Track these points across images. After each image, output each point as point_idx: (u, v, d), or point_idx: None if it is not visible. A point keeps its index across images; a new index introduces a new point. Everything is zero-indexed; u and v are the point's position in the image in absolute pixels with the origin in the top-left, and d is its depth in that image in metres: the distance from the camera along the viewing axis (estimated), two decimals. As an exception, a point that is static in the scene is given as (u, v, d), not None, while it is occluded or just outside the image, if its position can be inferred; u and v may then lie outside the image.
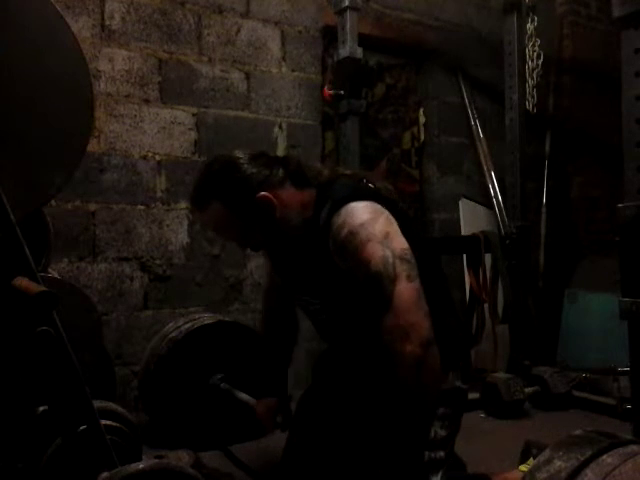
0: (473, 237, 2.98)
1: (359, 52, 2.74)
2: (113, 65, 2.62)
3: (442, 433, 1.42)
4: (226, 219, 1.49)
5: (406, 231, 1.37)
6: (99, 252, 2.58)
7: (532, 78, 3.23)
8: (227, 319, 2.49)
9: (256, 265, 2.94)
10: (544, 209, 3.73)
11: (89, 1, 2.57)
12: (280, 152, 2.93)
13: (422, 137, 3.57)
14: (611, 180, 3.23)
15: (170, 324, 2.45)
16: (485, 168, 3.54)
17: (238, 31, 2.92)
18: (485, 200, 3.52)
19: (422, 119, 3.56)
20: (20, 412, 1.60)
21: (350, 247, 1.32)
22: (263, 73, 2.99)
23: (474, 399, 2.70)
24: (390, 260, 1.26)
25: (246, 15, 2.94)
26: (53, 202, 2.36)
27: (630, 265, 1.69)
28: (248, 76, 2.95)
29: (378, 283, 1.25)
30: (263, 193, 1.45)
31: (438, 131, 3.56)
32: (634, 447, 1.01)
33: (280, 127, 3.01)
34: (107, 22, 2.61)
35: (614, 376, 2.57)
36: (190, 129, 2.80)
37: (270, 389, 1.92)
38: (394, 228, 1.34)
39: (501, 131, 3.18)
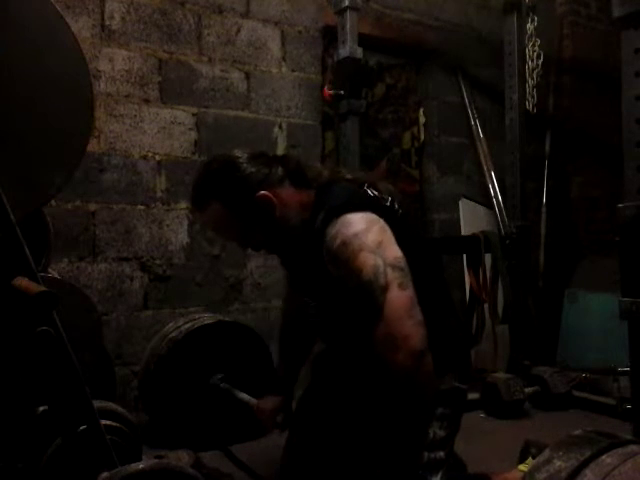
0: (473, 237, 2.98)
1: (359, 52, 2.74)
2: (113, 65, 2.62)
3: (441, 433, 1.42)
4: (226, 219, 1.49)
5: (405, 236, 1.37)
6: (99, 252, 2.58)
7: (532, 78, 3.23)
8: (227, 319, 2.50)
9: (256, 265, 2.94)
10: (544, 209, 3.73)
11: (89, 1, 2.57)
12: (280, 152, 2.93)
13: (422, 137, 3.57)
14: (611, 180, 3.22)
15: (170, 324, 2.45)
16: (485, 168, 3.54)
17: (238, 31, 2.92)
18: (485, 200, 3.52)
19: (422, 119, 3.56)
20: (20, 412, 1.60)
21: (342, 257, 1.31)
22: (263, 73, 2.99)
23: (474, 399, 2.70)
24: (381, 269, 1.25)
25: (246, 15, 2.94)
26: (53, 202, 2.36)
27: (630, 265, 1.69)
28: (248, 76, 2.95)
29: (369, 292, 1.24)
30: (262, 192, 1.45)
31: (438, 131, 3.56)
32: (634, 447, 1.01)
33: (280, 127, 3.01)
34: (107, 22, 2.61)
35: (614, 376, 2.57)
36: (190, 129, 2.80)
37: (276, 387, 1.91)
38: (387, 237, 1.32)
39: (501, 131, 3.18)
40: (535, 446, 1.82)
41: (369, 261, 1.26)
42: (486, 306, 2.91)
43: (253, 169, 1.47)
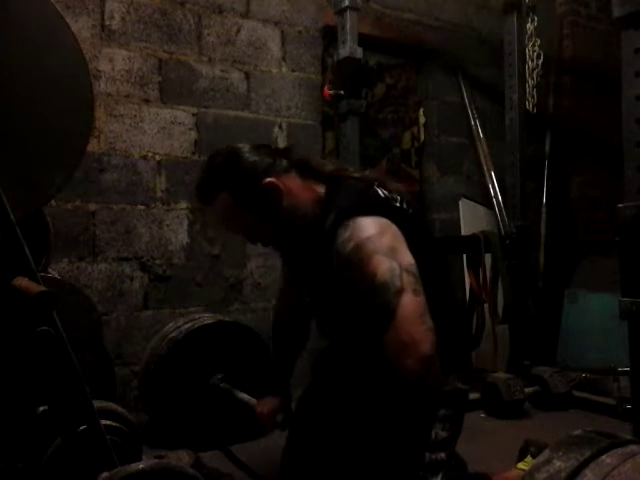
0: (473, 237, 2.98)
1: (359, 52, 2.74)
2: (113, 65, 2.62)
3: (443, 434, 1.42)
4: (234, 209, 1.46)
5: (415, 237, 1.37)
6: (99, 252, 2.58)
7: (532, 78, 3.23)
8: (227, 319, 2.50)
9: (256, 265, 2.94)
10: (544, 209, 3.73)
11: (89, 1, 2.57)
12: (280, 152, 2.93)
13: (422, 137, 3.57)
14: (611, 180, 3.22)
15: (170, 324, 2.45)
16: (485, 168, 3.54)
17: (238, 31, 2.92)
18: (485, 200, 3.52)
19: (422, 119, 3.56)
20: (20, 412, 1.60)
21: (355, 260, 1.30)
22: (263, 73, 2.99)
23: (474, 399, 2.70)
24: (397, 272, 1.25)
25: (246, 15, 2.94)
26: (53, 202, 2.36)
27: (630, 265, 1.69)
28: (248, 76, 2.95)
29: (383, 294, 1.23)
30: (269, 179, 1.43)
31: (438, 131, 3.56)
32: (633, 447, 1.01)
33: (280, 127, 3.01)
34: (107, 22, 2.61)
35: (614, 376, 2.57)
36: (190, 129, 2.80)
37: (272, 388, 1.92)
38: (400, 243, 1.32)
39: (501, 131, 3.18)
40: (534, 445, 1.83)
41: (384, 264, 1.26)
42: (486, 306, 2.91)
43: (257, 158, 1.46)
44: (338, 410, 1.64)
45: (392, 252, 1.28)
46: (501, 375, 2.78)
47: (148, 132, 2.69)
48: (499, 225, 3.19)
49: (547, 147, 3.81)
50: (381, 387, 1.31)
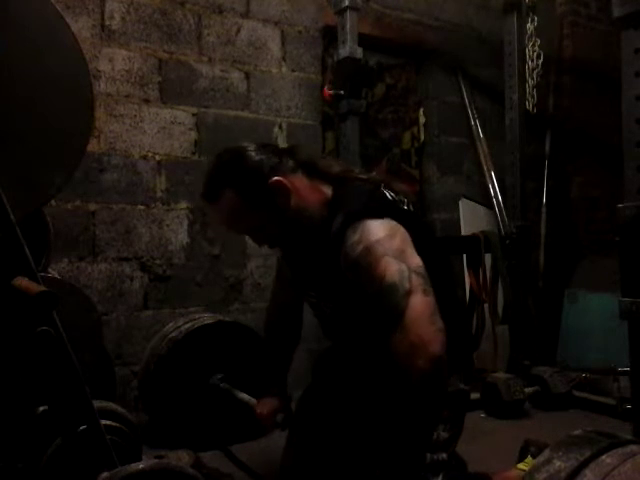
0: (473, 237, 2.98)
1: (359, 52, 2.74)
2: (113, 65, 2.62)
3: (444, 435, 1.42)
4: (240, 208, 1.45)
5: (421, 239, 1.37)
6: (99, 252, 2.58)
7: (532, 78, 3.23)
8: (227, 319, 2.50)
9: (256, 265, 2.94)
10: (544, 209, 3.73)
11: (89, 1, 2.57)
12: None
13: (422, 137, 3.57)
14: (611, 180, 3.22)
15: (170, 324, 2.45)
16: (485, 168, 3.54)
17: (238, 31, 2.92)
18: (485, 200, 3.52)
19: (422, 119, 3.56)
20: (20, 412, 1.60)
21: (364, 262, 1.30)
22: (263, 73, 2.99)
23: (474, 399, 2.70)
24: (406, 274, 1.25)
25: (246, 15, 2.94)
26: (53, 202, 2.36)
27: (630, 265, 1.69)
28: (248, 76, 2.95)
29: (392, 295, 1.23)
30: (276, 178, 1.42)
31: (438, 131, 3.56)
32: (633, 447, 1.01)
33: (280, 127, 3.01)
34: (107, 22, 2.61)
35: (614, 376, 2.57)
36: (190, 129, 2.80)
37: (270, 389, 1.92)
38: (409, 246, 1.32)
39: (501, 131, 3.18)
40: (534, 445, 1.83)
41: (393, 266, 1.26)
42: (486, 306, 2.91)
43: (263, 157, 1.45)
44: (339, 410, 1.64)
45: (401, 254, 1.28)
46: (501, 375, 2.78)
47: (148, 132, 2.69)
48: (499, 225, 3.19)
49: (547, 147, 3.81)
50: (387, 387, 1.31)
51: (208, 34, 2.84)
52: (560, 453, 1.03)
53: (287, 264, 1.72)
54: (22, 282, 1.14)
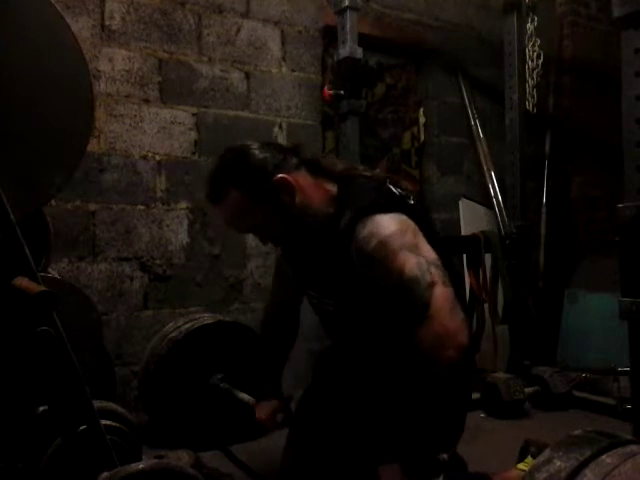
0: (473, 237, 2.98)
1: (359, 52, 2.74)
2: (113, 65, 2.62)
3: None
4: (245, 207, 1.45)
5: (428, 234, 1.38)
6: (99, 252, 2.58)
7: (532, 78, 3.23)
8: (227, 319, 2.50)
9: (256, 265, 2.94)
10: (544, 209, 3.73)
11: (89, 1, 2.57)
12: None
13: (422, 137, 3.57)
14: (611, 180, 3.22)
15: (170, 324, 2.45)
16: (485, 168, 3.54)
17: (238, 31, 2.92)
18: (485, 200, 3.52)
19: (422, 119, 3.56)
20: (20, 412, 1.60)
21: (379, 256, 1.30)
22: (263, 73, 2.99)
23: (474, 399, 2.70)
24: (425, 267, 1.26)
25: (246, 15, 2.94)
26: (53, 202, 2.36)
27: (630, 265, 1.69)
28: (248, 76, 2.95)
29: (415, 288, 1.24)
30: (280, 175, 1.42)
31: (438, 131, 3.56)
32: (633, 447, 1.01)
33: (280, 127, 3.01)
34: (107, 22, 2.61)
35: (614, 376, 2.56)
36: (190, 129, 2.80)
37: (266, 390, 1.91)
38: (421, 239, 1.34)
39: (501, 131, 3.18)
40: (535, 445, 1.83)
41: (412, 259, 1.27)
42: (486, 306, 2.91)
43: (267, 155, 1.45)
44: (340, 410, 1.64)
45: (416, 248, 1.30)
46: (501, 375, 2.78)
47: (148, 132, 2.69)
48: (499, 225, 3.19)
49: (547, 147, 3.81)
50: (396, 381, 1.32)
51: (208, 34, 2.84)
52: (560, 453, 1.03)
53: (288, 262, 1.72)
54: (22, 282, 1.14)
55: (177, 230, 2.75)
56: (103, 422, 1.29)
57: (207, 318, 2.44)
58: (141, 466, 1.16)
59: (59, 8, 1.34)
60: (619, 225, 1.71)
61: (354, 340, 1.61)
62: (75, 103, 1.36)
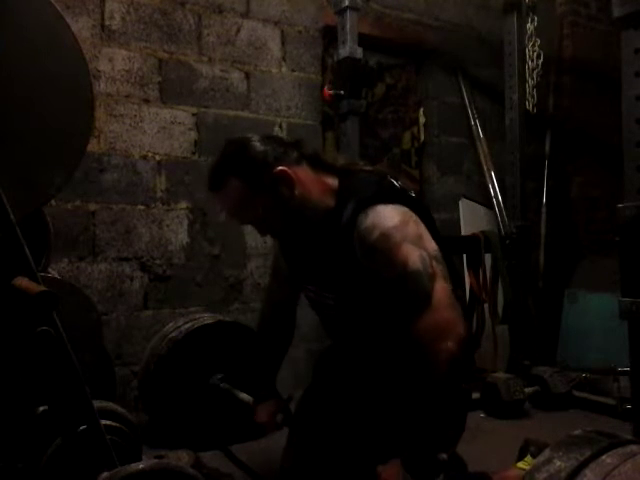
0: (473, 237, 2.98)
1: (359, 52, 2.74)
2: (113, 65, 2.62)
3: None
4: (244, 197, 1.45)
5: (430, 228, 1.41)
6: (99, 252, 2.58)
7: (532, 78, 3.23)
8: (227, 319, 2.49)
9: (256, 265, 2.94)
10: (544, 209, 3.73)
11: (89, 1, 2.57)
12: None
13: (422, 137, 3.57)
14: (611, 180, 3.22)
15: (170, 324, 2.45)
16: (485, 168, 3.54)
17: (238, 31, 2.92)
18: (485, 200, 3.52)
19: (422, 119, 3.56)
20: (20, 412, 1.60)
21: (382, 248, 1.32)
22: (263, 73, 2.99)
23: (474, 399, 2.70)
24: (427, 260, 1.30)
25: (246, 15, 2.94)
26: (53, 202, 2.36)
27: (630, 265, 1.69)
28: (248, 76, 2.95)
29: (418, 281, 1.28)
30: (280, 167, 1.43)
31: (438, 131, 3.56)
32: (633, 447, 1.01)
33: (280, 127, 3.01)
34: (107, 22, 2.61)
35: (614, 376, 2.56)
36: (190, 129, 2.80)
37: (262, 391, 1.90)
38: (424, 230, 1.36)
39: (501, 131, 3.18)
40: (534, 444, 1.83)
41: (414, 252, 1.30)
42: (486, 306, 2.91)
43: (268, 147, 1.46)
44: (340, 410, 1.64)
45: (419, 240, 1.33)
46: (501, 375, 2.78)
47: (148, 132, 2.69)
48: (499, 225, 3.19)
49: (547, 147, 3.81)
50: (396, 376, 1.33)
51: (208, 34, 2.84)
52: (560, 453, 1.03)
53: (285, 257, 1.71)
54: (22, 282, 1.14)
55: (177, 230, 2.75)
56: (103, 422, 1.29)
57: (207, 318, 2.44)
58: (141, 466, 1.16)
59: (59, 8, 1.34)
60: (619, 225, 1.71)
61: (353, 335, 1.61)
62: (75, 103, 1.36)
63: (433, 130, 3.57)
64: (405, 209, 1.38)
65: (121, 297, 2.62)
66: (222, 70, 2.88)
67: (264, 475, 2.02)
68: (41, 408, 1.56)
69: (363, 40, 2.81)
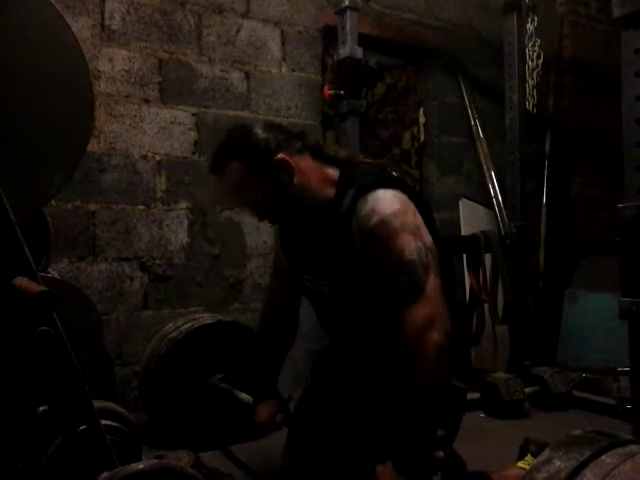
0: (473, 237, 2.98)
1: (359, 52, 2.74)
2: (113, 65, 2.62)
3: (441, 432, 1.42)
4: (244, 181, 1.47)
5: (428, 220, 1.43)
6: (99, 252, 2.58)
7: (532, 78, 3.23)
8: (227, 319, 2.49)
9: (256, 265, 2.94)
10: (544, 209, 3.73)
11: (89, 1, 2.57)
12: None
13: (422, 137, 3.57)
14: (611, 180, 3.22)
15: (170, 324, 2.45)
16: (485, 168, 3.54)
17: (238, 31, 2.92)
18: (485, 200, 3.52)
19: (422, 119, 3.56)
20: (20, 412, 1.60)
21: (381, 234, 1.34)
22: (263, 73, 2.99)
23: (474, 399, 2.70)
24: (423, 252, 1.32)
25: (246, 15, 2.94)
26: (53, 202, 2.36)
27: (630, 265, 1.69)
28: (248, 76, 2.95)
29: (413, 271, 1.30)
30: (281, 155, 1.44)
31: (438, 131, 3.56)
32: (633, 447, 1.01)
33: (280, 127, 3.00)
34: (107, 22, 2.61)
35: (614, 376, 2.57)
36: (190, 129, 2.80)
37: (262, 391, 1.89)
38: (421, 222, 1.39)
39: (501, 131, 3.18)
40: (534, 444, 1.83)
41: (411, 242, 1.32)
42: (486, 306, 2.91)
43: (270, 135, 1.48)
44: (339, 409, 1.64)
45: (416, 230, 1.35)
46: (501, 375, 2.78)
47: (148, 132, 2.69)
48: (499, 225, 3.18)
49: (547, 147, 3.81)
50: (391, 370, 1.34)
51: (208, 34, 2.84)
52: (560, 453, 1.03)
53: (283, 246, 1.71)
54: (22, 282, 1.14)
55: (177, 230, 2.75)
56: (103, 422, 1.29)
57: (207, 318, 2.44)
58: (141, 466, 1.16)
59: (59, 8, 1.34)
60: (619, 225, 1.71)
61: (347, 326, 1.60)
62: (75, 103, 1.36)
63: (433, 130, 3.57)
64: (404, 197, 1.39)
65: (121, 297, 2.62)
66: (222, 70, 2.88)
67: (264, 475, 2.02)
68: (41, 408, 1.56)
69: (363, 40, 2.81)
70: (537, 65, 3.25)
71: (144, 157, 2.69)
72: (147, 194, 2.69)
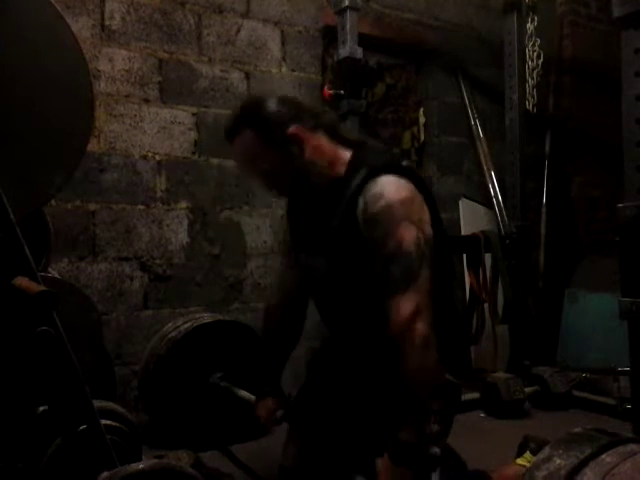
0: (473, 237, 2.98)
1: (359, 52, 2.74)
2: (113, 65, 2.62)
3: (435, 428, 1.43)
4: (256, 148, 1.48)
5: (435, 217, 1.46)
6: (99, 252, 2.58)
7: (532, 78, 3.23)
8: (226, 318, 2.50)
9: (256, 265, 2.94)
10: (544, 209, 3.73)
11: (89, 1, 2.57)
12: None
13: (422, 137, 3.57)
14: (611, 180, 3.22)
15: (169, 324, 2.45)
16: (485, 168, 3.54)
17: (238, 31, 2.92)
18: (485, 200, 3.52)
19: (422, 119, 3.56)
20: (20, 412, 1.60)
21: (384, 219, 1.35)
22: (263, 73, 2.99)
23: (474, 399, 2.70)
24: (422, 244, 1.33)
25: (246, 15, 2.94)
26: (53, 202, 2.36)
27: (630, 265, 1.70)
28: (248, 76, 2.95)
29: (407, 261, 1.31)
30: (295, 129, 1.46)
31: (438, 131, 3.56)
32: (633, 446, 1.01)
33: (280, 127, 3.00)
34: (107, 22, 2.61)
35: (614, 376, 2.57)
36: (190, 129, 2.80)
37: (264, 388, 1.89)
38: (425, 214, 1.40)
39: (501, 131, 3.18)
40: (534, 441, 1.83)
41: (412, 232, 1.34)
42: (486, 306, 2.91)
43: (284, 108, 1.49)
44: (335, 405, 1.63)
45: (419, 221, 1.36)
46: (501, 375, 2.78)
47: (148, 132, 2.69)
48: (499, 225, 3.19)
49: (547, 147, 3.81)
50: (383, 362, 1.35)
51: (208, 34, 2.84)
52: (560, 451, 1.03)
53: (290, 222, 1.71)
54: (22, 282, 1.14)
55: (177, 230, 2.75)
56: (103, 422, 1.29)
57: (206, 317, 2.44)
58: (141, 466, 1.16)
59: (59, 8, 1.34)
60: (619, 225, 1.71)
61: (340, 308, 1.58)
62: (75, 103, 1.37)
63: (433, 130, 3.56)
64: (412, 186, 1.40)
65: (121, 297, 2.62)
66: (222, 70, 2.88)
67: (264, 475, 2.02)
68: (41, 408, 1.56)
69: (363, 40, 2.81)
70: (537, 65, 3.25)
71: (144, 157, 2.69)
72: (147, 194, 2.69)
